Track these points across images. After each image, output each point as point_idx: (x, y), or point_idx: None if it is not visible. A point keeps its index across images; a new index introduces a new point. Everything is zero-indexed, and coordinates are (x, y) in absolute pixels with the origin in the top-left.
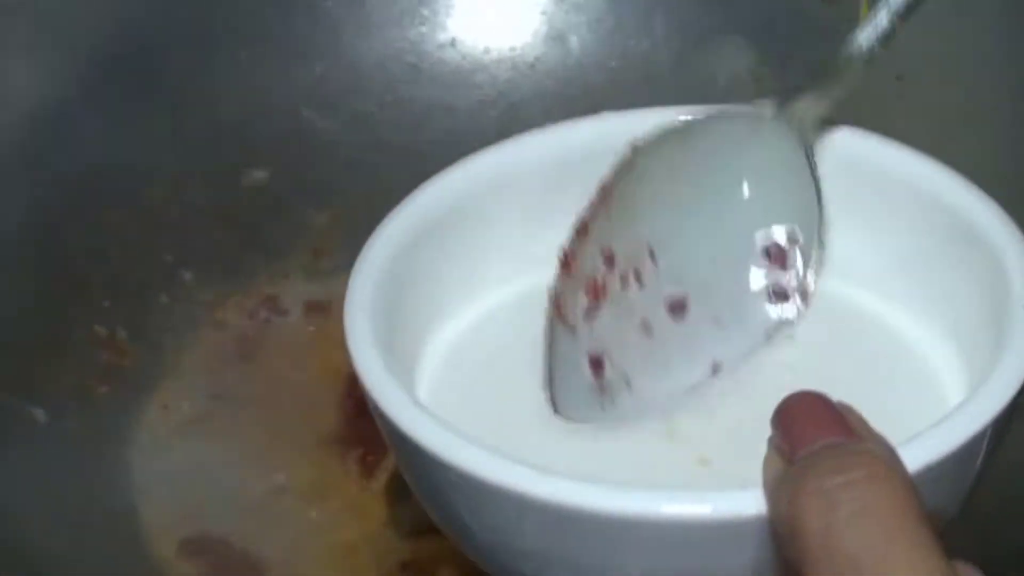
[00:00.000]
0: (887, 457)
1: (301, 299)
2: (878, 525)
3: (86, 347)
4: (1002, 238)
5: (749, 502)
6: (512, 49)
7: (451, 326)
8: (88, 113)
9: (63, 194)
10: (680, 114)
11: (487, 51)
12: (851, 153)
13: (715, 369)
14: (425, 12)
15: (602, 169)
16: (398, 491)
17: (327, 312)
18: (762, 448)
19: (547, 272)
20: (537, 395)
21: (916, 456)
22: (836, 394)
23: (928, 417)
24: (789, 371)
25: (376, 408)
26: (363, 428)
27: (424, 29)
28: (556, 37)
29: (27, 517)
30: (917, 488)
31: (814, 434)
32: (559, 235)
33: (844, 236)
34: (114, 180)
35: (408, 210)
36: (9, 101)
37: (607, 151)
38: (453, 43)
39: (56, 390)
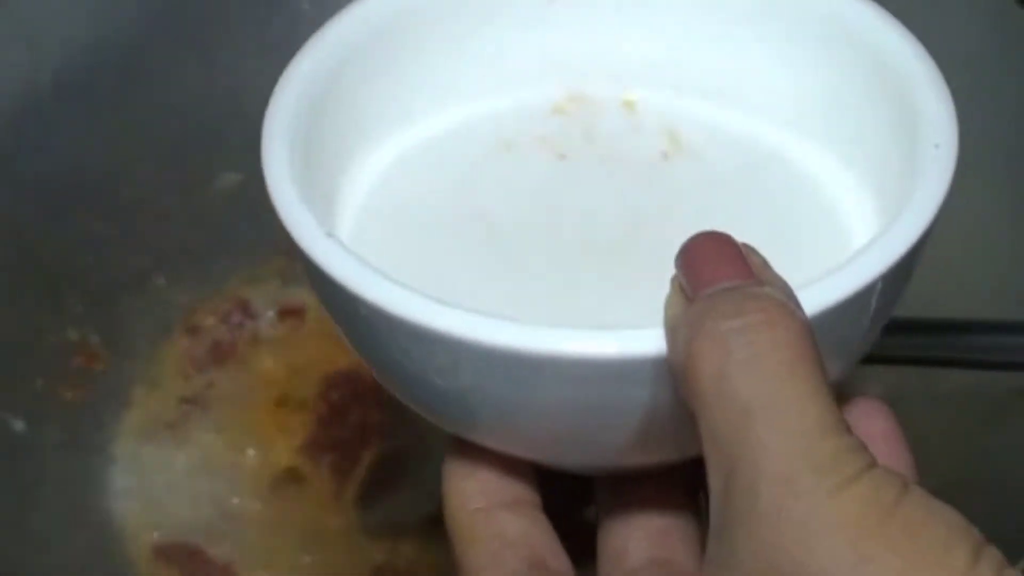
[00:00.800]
0: (785, 301)
1: (274, 303)
2: (770, 370)
3: (58, 352)
4: (917, 76)
5: (649, 341)
6: None
7: (375, 158)
8: (60, 116)
9: (35, 197)
10: None
11: None
12: None
13: None
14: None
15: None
16: (372, 495)
17: (301, 316)
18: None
19: (475, 106)
20: (461, 233)
21: (815, 300)
22: (743, 233)
23: (834, 260)
24: (697, 209)
25: (290, 240)
26: (336, 433)
27: None
28: None
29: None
30: (813, 333)
31: (715, 275)
32: (488, 70)
33: (757, 70)
34: (86, 183)
35: (329, 35)
36: None
37: None
38: None
39: (27, 396)
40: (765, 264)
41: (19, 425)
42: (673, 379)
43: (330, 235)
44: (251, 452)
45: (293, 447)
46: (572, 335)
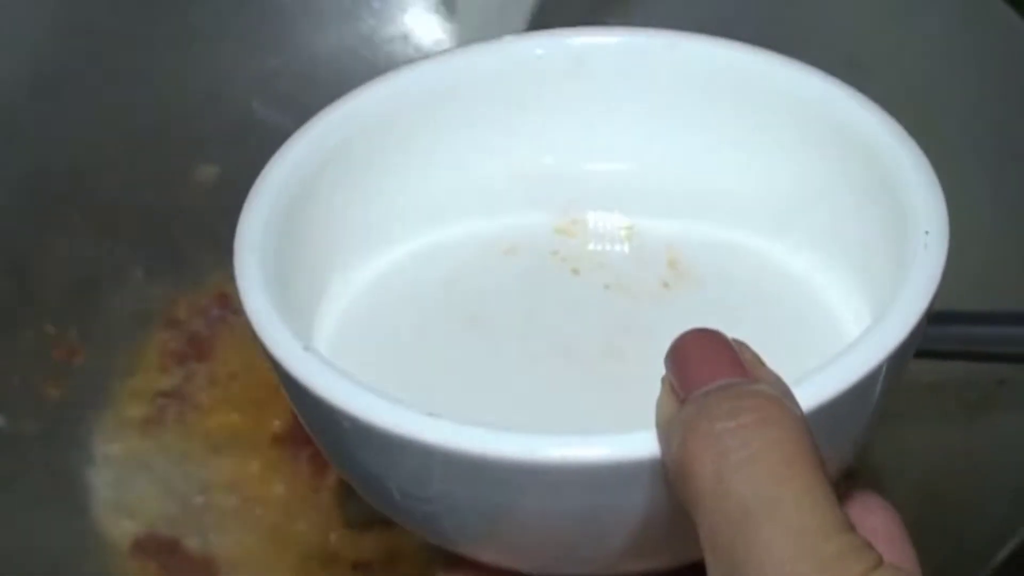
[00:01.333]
0: (781, 398)
1: None
2: (768, 470)
3: (36, 346)
4: (903, 164)
5: (641, 444)
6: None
7: (357, 270)
8: (36, 110)
9: (11, 192)
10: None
11: (439, 44)
12: (740, 74)
13: None
14: (377, 6)
15: (506, 98)
16: (350, 489)
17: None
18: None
19: (469, 223)
20: (441, 347)
21: (811, 394)
22: (732, 334)
23: (827, 355)
24: (683, 317)
25: (266, 353)
26: None
27: (376, 23)
28: None
29: None
30: (811, 430)
31: (707, 373)
32: (473, 189)
33: (734, 168)
34: (63, 177)
35: (305, 142)
36: None
37: (517, 79)
38: (406, 37)
39: (5, 390)
40: (758, 360)
41: (4, 423)
42: (668, 482)
43: (308, 348)
44: (229, 446)
45: (272, 441)
46: (561, 441)
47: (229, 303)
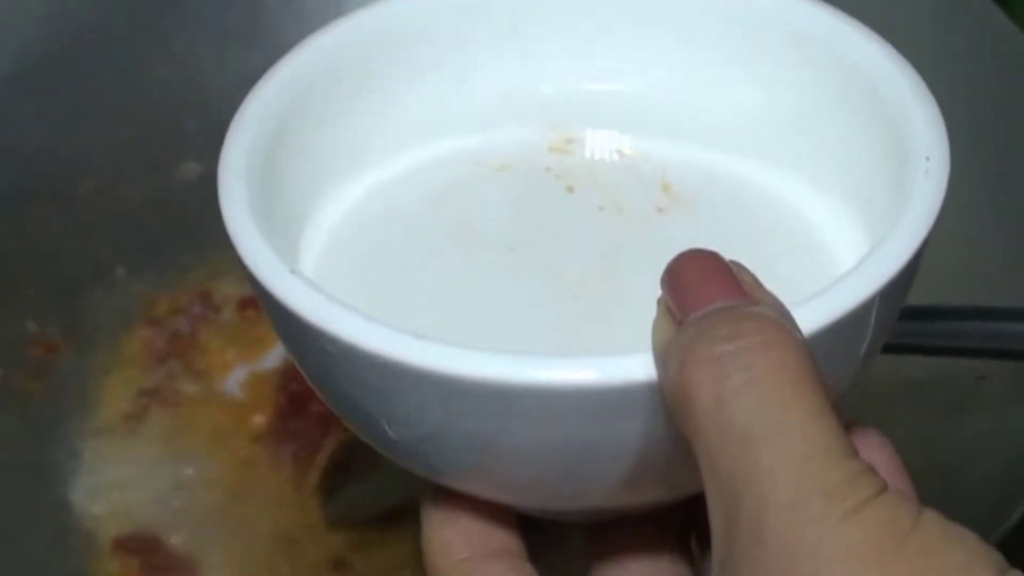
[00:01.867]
0: (780, 320)
1: (235, 295)
2: (771, 394)
3: (17, 344)
4: (904, 92)
5: (637, 368)
6: None
7: (344, 191)
8: (15, 107)
9: None
10: None
11: None
12: (740, 4)
13: None
14: (361, 3)
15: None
16: (332, 487)
17: (260, 307)
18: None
19: (461, 140)
20: (429, 267)
21: (811, 317)
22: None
23: (823, 284)
24: (677, 242)
25: (250, 277)
26: (296, 424)
27: None
28: None
29: None
30: (812, 354)
31: (705, 295)
32: (466, 106)
33: (735, 101)
34: (45, 174)
35: (291, 64)
36: None
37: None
38: None
39: None
40: (757, 282)
41: None
42: (666, 408)
43: (294, 271)
44: (211, 444)
45: (253, 438)
46: (551, 363)
47: (211, 300)
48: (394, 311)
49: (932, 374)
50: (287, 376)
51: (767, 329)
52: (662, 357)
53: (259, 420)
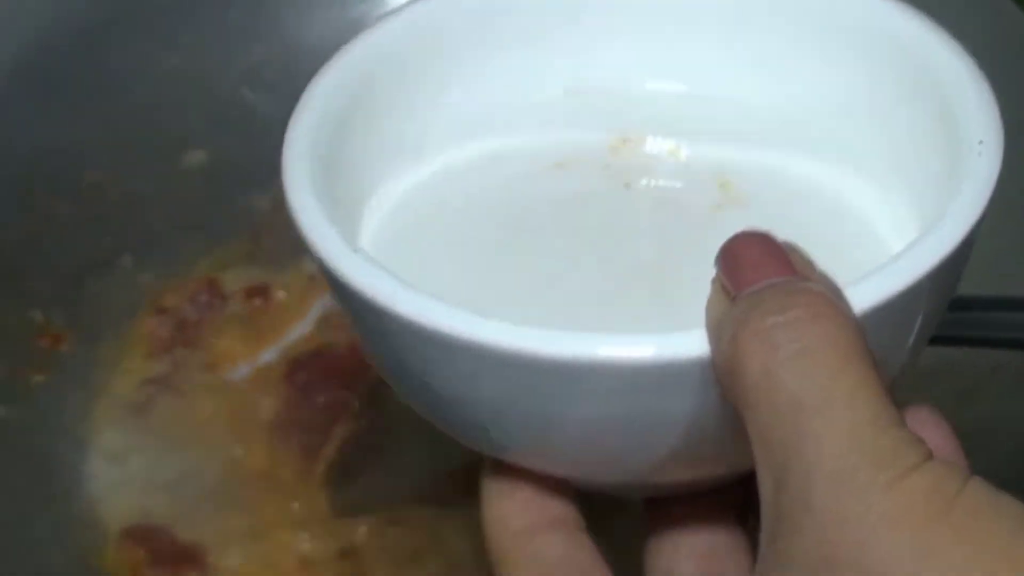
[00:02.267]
0: (832, 295)
1: (242, 283)
2: (820, 364)
3: (23, 334)
4: (956, 76)
5: (691, 343)
6: None
7: (403, 180)
8: (20, 97)
9: None
10: None
11: None
12: None
13: None
14: None
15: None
16: (340, 476)
17: (268, 296)
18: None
19: (495, 140)
20: (485, 254)
21: (862, 297)
22: None
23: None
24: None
25: (315, 257)
26: (304, 413)
27: (367, 7)
28: None
29: None
30: (862, 328)
31: (757, 273)
32: (523, 103)
33: (786, 86)
34: (50, 163)
35: (356, 52)
36: None
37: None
38: None
39: None
40: (809, 261)
41: None
42: (718, 380)
43: (357, 251)
44: (218, 433)
45: (261, 428)
46: (609, 340)
47: (218, 289)
48: (451, 293)
49: (944, 364)
50: (294, 366)
51: (817, 303)
52: (715, 331)
53: (266, 410)
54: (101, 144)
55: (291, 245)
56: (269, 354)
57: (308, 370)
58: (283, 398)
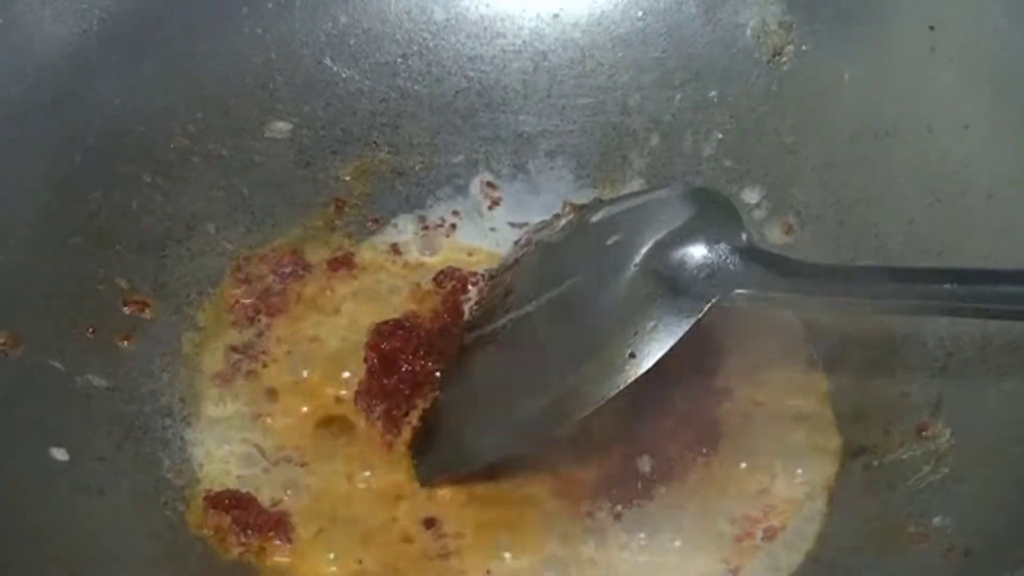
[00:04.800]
0: None
1: (325, 252)
2: None
3: (108, 300)
4: None
5: None
6: None
7: None
8: (106, 65)
9: (84, 147)
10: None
11: (512, 0)
12: None
13: None
14: None
15: None
16: (422, 446)
17: (351, 265)
18: None
19: None
20: None
21: None
22: None
23: None
24: None
25: None
26: (386, 383)
27: None
28: None
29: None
30: None
31: None
32: None
33: None
34: (134, 132)
35: None
36: (33, 50)
37: None
38: None
39: (77, 343)
40: None
41: (65, 370)
42: None
43: None
44: (302, 401)
45: (344, 397)
46: None
47: (301, 259)
48: None
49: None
50: (379, 335)
51: None
52: None
53: (350, 379)
54: (187, 114)
55: (373, 214)
56: (352, 323)
57: (391, 340)
58: (366, 368)
